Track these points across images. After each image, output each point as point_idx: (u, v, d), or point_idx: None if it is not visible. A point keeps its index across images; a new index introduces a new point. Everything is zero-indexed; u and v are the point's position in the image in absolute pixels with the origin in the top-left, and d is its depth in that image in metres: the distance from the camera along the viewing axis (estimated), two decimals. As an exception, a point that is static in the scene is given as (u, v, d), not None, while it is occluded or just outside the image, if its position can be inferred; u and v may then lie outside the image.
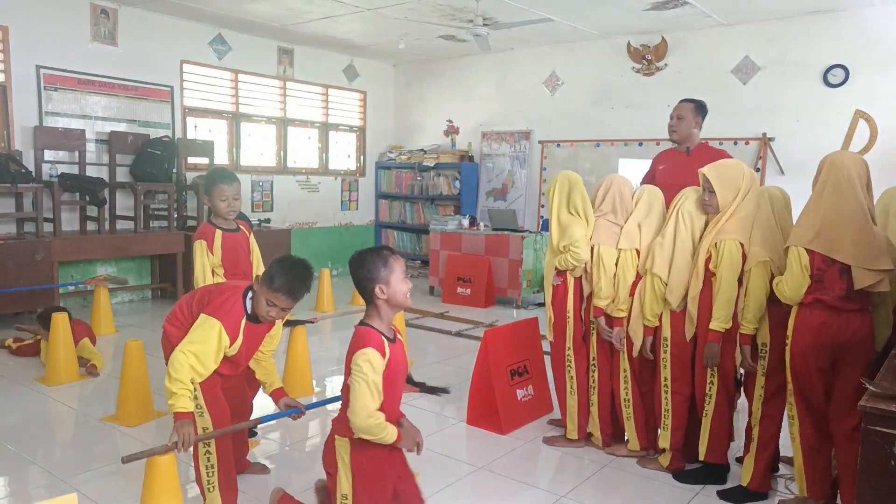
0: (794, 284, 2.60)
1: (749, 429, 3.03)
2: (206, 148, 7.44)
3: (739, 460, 3.30)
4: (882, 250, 2.49)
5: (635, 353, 3.28)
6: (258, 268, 3.46)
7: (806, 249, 2.57)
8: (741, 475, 3.02)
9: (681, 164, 4.06)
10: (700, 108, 4.10)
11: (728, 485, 3.10)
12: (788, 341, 2.69)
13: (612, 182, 3.44)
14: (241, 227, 3.48)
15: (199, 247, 3.27)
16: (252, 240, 3.51)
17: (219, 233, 3.31)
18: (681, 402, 3.18)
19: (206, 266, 3.26)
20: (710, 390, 3.06)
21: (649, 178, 4.19)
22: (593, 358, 3.42)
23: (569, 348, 3.46)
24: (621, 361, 3.35)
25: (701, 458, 3.14)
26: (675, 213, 3.15)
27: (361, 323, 2.16)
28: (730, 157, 3.99)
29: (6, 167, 5.70)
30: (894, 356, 2.14)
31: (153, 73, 7.12)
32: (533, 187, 8.58)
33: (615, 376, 3.39)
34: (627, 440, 3.44)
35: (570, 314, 3.42)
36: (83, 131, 6.48)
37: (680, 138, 4.08)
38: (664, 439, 3.23)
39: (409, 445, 2.16)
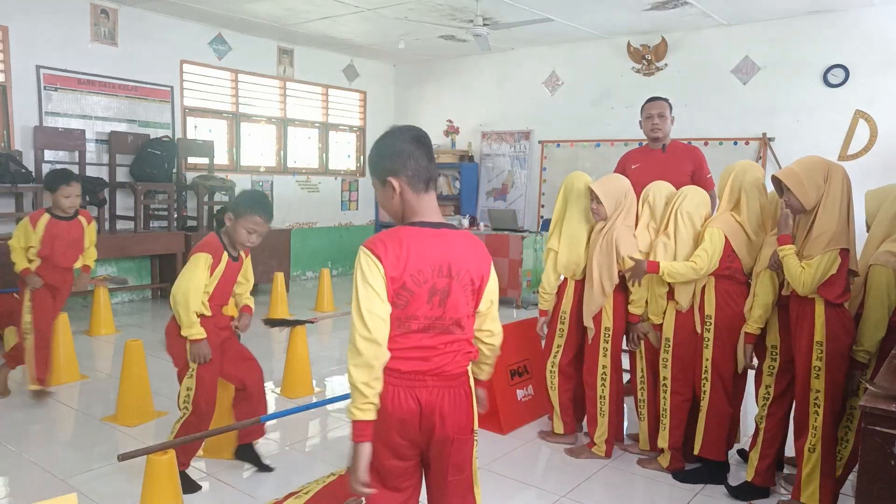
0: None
1: (756, 426, 3.03)
2: (206, 148, 7.44)
3: (741, 453, 3.32)
4: None
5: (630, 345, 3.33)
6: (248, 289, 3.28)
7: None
8: (747, 470, 3.03)
9: (657, 161, 4.07)
10: (670, 105, 4.14)
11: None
12: (824, 346, 2.65)
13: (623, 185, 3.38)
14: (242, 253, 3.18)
15: (204, 262, 2.89)
16: (247, 264, 3.20)
17: (226, 258, 2.97)
18: (680, 402, 3.19)
19: (201, 286, 2.89)
20: (704, 386, 3.09)
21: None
22: (603, 367, 3.36)
23: (558, 346, 3.49)
24: (638, 361, 3.38)
25: (695, 452, 3.15)
26: (675, 213, 3.16)
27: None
28: (701, 153, 4.12)
29: (6, 167, 5.70)
30: (894, 356, 2.14)
31: (153, 73, 7.12)
32: (533, 187, 8.58)
33: (635, 376, 3.43)
34: (638, 441, 3.47)
35: (566, 315, 3.45)
36: (83, 131, 6.48)
37: (662, 135, 4.09)
38: (663, 439, 3.24)
39: None
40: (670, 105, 4.10)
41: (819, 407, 2.69)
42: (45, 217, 3.89)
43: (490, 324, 1.91)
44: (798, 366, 2.77)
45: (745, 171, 3.04)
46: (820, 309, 2.66)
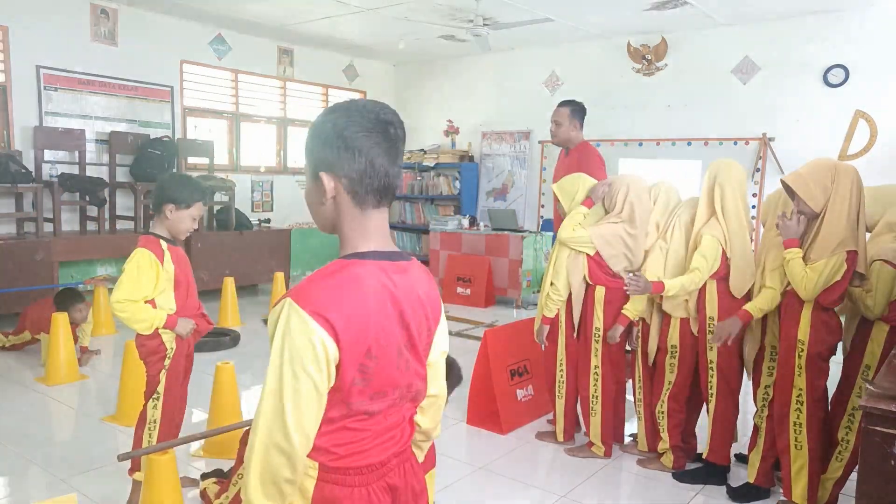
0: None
1: (756, 426, 3.04)
2: (206, 148, 7.44)
3: (739, 457, 3.32)
4: None
5: (610, 341, 3.31)
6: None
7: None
8: (747, 471, 3.03)
9: (562, 164, 4.37)
10: (576, 111, 4.30)
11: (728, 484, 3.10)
12: (806, 346, 2.67)
13: (629, 186, 3.32)
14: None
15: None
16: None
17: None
18: (676, 407, 3.21)
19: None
20: (711, 389, 3.07)
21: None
22: (595, 367, 3.38)
23: (560, 351, 3.47)
24: (635, 362, 3.41)
25: (704, 456, 3.15)
26: (675, 221, 3.21)
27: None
28: (591, 158, 4.28)
29: (6, 167, 5.70)
30: (894, 356, 2.14)
31: (153, 73, 7.12)
32: (533, 187, 8.58)
33: (633, 377, 3.45)
34: (637, 441, 3.47)
35: (562, 319, 3.43)
36: (83, 131, 6.48)
37: (559, 141, 4.35)
38: (664, 441, 3.24)
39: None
40: (573, 111, 4.28)
41: (802, 404, 2.70)
42: (164, 245, 2.69)
43: (437, 385, 1.39)
44: (779, 360, 2.81)
45: (720, 170, 3.04)
46: (807, 310, 2.67)
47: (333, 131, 1.18)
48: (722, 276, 3.00)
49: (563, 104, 4.30)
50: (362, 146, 1.17)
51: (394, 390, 1.23)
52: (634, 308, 3.26)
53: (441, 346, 1.37)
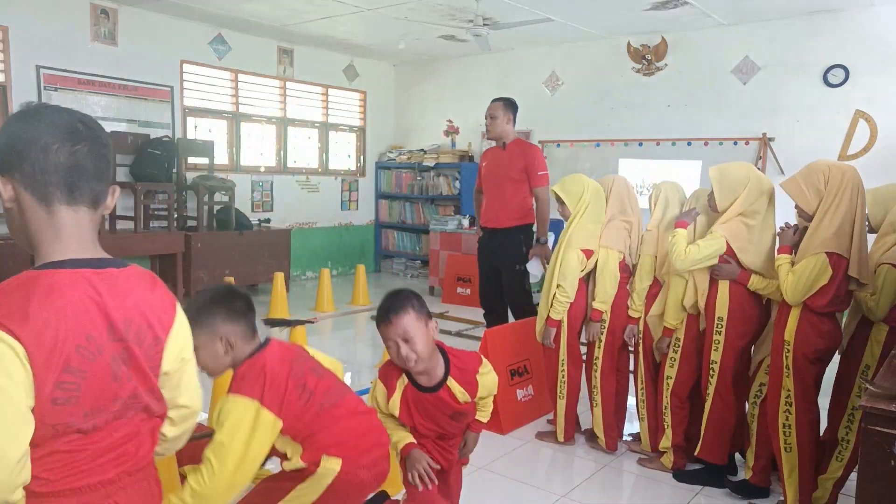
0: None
1: (747, 425, 3.04)
2: (206, 148, 7.44)
3: (741, 452, 3.32)
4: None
5: (656, 352, 3.31)
6: None
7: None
8: (744, 469, 3.03)
9: (499, 158, 4.43)
10: (509, 105, 4.39)
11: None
12: (791, 347, 2.66)
13: (613, 182, 3.47)
14: None
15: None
16: None
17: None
18: (679, 402, 3.21)
19: None
20: (710, 388, 3.06)
21: (479, 175, 4.66)
22: (596, 357, 3.42)
23: (562, 351, 3.47)
24: (638, 360, 3.42)
25: (696, 453, 3.15)
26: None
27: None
28: (535, 152, 4.40)
29: (6, 167, 5.70)
30: (894, 356, 2.14)
31: (153, 73, 7.11)
32: (533, 187, 8.57)
33: (636, 376, 3.45)
34: (640, 440, 3.48)
35: (564, 319, 3.43)
36: (83, 131, 6.47)
37: (494, 135, 4.43)
38: (667, 438, 3.24)
39: None
40: (507, 105, 4.37)
41: (791, 406, 2.69)
42: None
43: (186, 396, 1.34)
44: (771, 362, 2.82)
45: (760, 181, 2.95)
46: (796, 310, 2.65)
47: (9, 131, 1.14)
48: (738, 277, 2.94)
49: (496, 99, 4.43)
50: (29, 137, 1.12)
51: (114, 402, 1.16)
52: (635, 307, 3.31)
53: (178, 352, 1.29)
